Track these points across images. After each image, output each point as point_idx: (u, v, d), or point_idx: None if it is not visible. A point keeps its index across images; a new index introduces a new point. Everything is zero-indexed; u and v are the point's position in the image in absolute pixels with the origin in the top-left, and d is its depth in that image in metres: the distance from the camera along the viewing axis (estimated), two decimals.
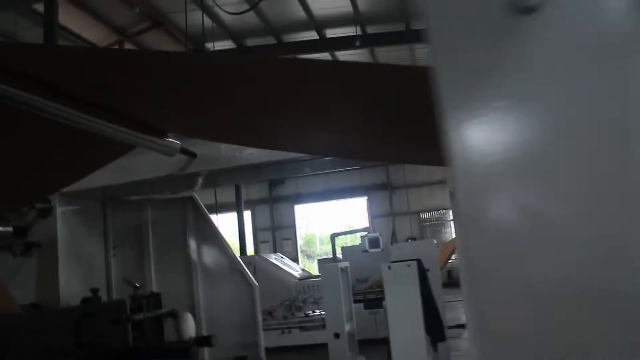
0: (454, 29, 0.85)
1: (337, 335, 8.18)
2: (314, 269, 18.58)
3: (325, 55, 15.68)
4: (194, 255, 5.12)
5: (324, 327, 9.26)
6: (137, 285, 4.30)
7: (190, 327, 4.44)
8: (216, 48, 14.61)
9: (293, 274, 12.81)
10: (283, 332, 10.95)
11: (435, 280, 8.41)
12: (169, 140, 3.80)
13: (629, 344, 0.75)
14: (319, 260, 16.45)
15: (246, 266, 5.41)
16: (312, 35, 15.91)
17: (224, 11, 10.01)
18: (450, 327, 9.04)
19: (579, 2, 0.81)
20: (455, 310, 11.87)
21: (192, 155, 4.34)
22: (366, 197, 22.43)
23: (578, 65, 0.80)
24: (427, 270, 6.85)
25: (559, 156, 0.79)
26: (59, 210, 4.66)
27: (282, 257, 13.95)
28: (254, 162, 4.08)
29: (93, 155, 3.93)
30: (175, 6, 13.39)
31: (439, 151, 0.84)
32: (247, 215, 21.39)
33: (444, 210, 21.65)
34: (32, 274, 4.65)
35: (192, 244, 5.12)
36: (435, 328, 6.67)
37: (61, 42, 11.52)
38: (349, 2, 14.75)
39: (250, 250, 20.77)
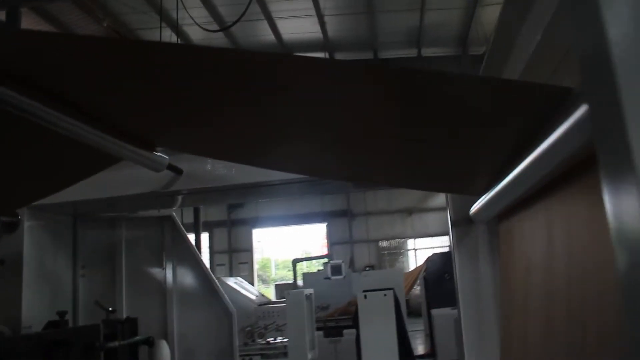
0: None
1: None
2: (269, 294, 18.26)
3: None
4: (169, 277, 4.84)
5: (285, 354, 9.05)
6: (111, 309, 4.00)
7: (165, 356, 4.16)
8: None
9: (252, 299, 12.53)
10: None
11: (403, 309, 8.38)
12: (157, 155, 3.59)
13: None
14: (276, 285, 16.17)
15: None
16: None
17: (203, 28, 9.80)
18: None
19: None
20: (414, 339, 11.82)
21: (178, 171, 4.12)
22: (325, 224, 22.30)
23: None
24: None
25: None
26: (27, 224, 4.33)
27: (241, 281, 13.64)
28: (246, 182, 3.89)
29: (74, 166, 3.65)
30: (144, 23, 13.19)
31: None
32: (205, 237, 20.92)
33: (402, 239, 21.72)
34: None
35: (169, 265, 4.84)
36: (407, 358, 6.59)
37: None
38: (319, 28, 14.87)
39: None
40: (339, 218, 21.82)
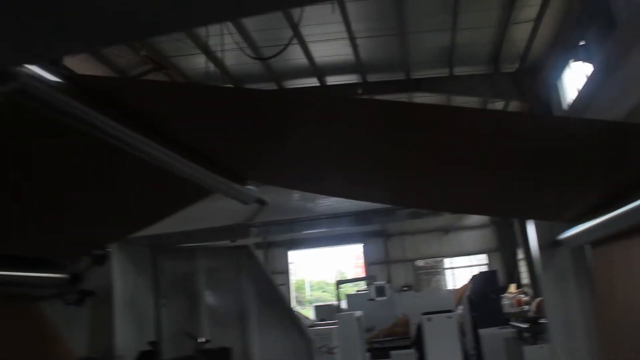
0: None
1: None
2: (308, 316, 18.26)
3: None
4: (249, 306, 4.97)
5: None
6: (203, 339, 4.14)
7: None
8: None
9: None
10: None
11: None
12: (247, 188, 3.75)
13: None
14: (316, 306, 16.18)
15: None
16: (313, 82, 16.21)
17: (250, 56, 10.04)
18: None
19: None
20: None
21: (262, 203, 4.29)
22: (362, 244, 22.30)
23: None
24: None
25: None
26: (115, 257, 4.52)
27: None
28: (328, 214, 4.02)
29: (167, 200, 3.81)
30: (177, 50, 13.55)
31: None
32: None
33: (439, 258, 21.60)
34: (83, 324, 4.48)
35: (248, 294, 4.98)
36: None
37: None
38: (351, 50, 15.07)
39: None
40: (374, 238, 21.81)
